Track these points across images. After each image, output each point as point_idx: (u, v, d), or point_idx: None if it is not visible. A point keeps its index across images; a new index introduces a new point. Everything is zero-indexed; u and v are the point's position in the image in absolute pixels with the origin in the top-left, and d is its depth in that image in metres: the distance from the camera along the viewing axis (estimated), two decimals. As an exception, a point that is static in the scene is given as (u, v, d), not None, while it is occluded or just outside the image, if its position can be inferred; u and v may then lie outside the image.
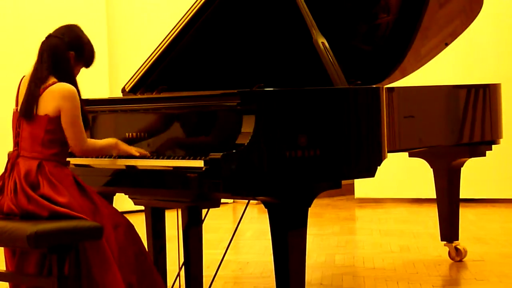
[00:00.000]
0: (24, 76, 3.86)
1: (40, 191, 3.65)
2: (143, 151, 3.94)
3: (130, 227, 3.80)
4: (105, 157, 4.03)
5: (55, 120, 3.71)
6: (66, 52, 3.80)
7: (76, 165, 4.11)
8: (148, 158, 3.91)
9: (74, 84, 3.78)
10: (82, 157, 4.08)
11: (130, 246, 3.76)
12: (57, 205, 3.62)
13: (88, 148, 3.79)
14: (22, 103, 3.76)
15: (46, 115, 3.70)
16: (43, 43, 3.83)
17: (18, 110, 3.78)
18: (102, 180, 4.09)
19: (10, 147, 3.84)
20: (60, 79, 3.74)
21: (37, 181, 3.66)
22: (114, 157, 3.99)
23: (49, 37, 3.83)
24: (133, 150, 3.93)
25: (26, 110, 3.73)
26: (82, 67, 3.89)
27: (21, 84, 3.85)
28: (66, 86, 3.72)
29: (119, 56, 8.44)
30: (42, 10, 7.98)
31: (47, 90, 3.72)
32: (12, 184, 3.70)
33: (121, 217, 3.80)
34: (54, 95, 3.70)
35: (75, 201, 3.66)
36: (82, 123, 3.73)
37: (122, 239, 3.74)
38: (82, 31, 3.90)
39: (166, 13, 8.33)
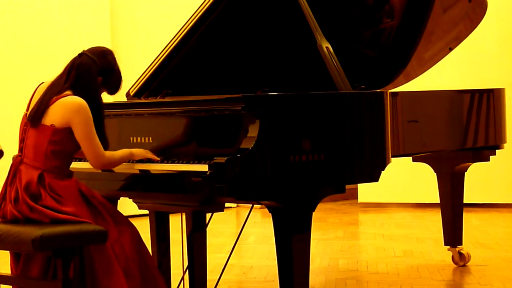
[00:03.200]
0: (42, 83, 3.85)
1: (42, 202, 3.64)
2: (154, 156, 3.93)
3: (135, 233, 3.80)
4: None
5: (61, 132, 3.69)
6: (96, 76, 3.77)
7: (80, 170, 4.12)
8: (151, 162, 3.91)
9: (99, 106, 3.75)
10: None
11: (134, 252, 3.76)
12: (61, 214, 3.62)
13: (108, 162, 3.76)
14: (32, 109, 3.74)
15: (52, 125, 3.69)
16: (74, 60, 3.78)
17: (27, 115, 3.78)
18: (106, 185, 4.10)
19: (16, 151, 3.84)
20: (78, 95, 3.71)
21: (39, 193, 3.65)
22: (146, 162, 3.96)
23: (82, 55, 3.79)
24: (149, 154, 3.92)
25: (34, 118, 3.72)
26: (104, 92, 3.88)
27: (38, 90, 3.82)
28: (76, 99, 3.69)
29: (123, 61, 8.38)
30: (45, 16, 7.99)
31: (58, 101, 3.70)
32: (14, 192, 3.70)
33: (126, 223, 3.80)
34: (63, 108, 3.68)
35: (78, 211, 3.65)
36: (97, 137, 3.70)
37: (127, 246, 3.73)
38: (115, 59, 3.86)
39: (170, 17, 8.34)
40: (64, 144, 3.70)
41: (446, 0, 4.94)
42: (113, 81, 3.85)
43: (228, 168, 3.50)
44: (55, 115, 3.69)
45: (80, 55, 3.80)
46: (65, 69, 3.79)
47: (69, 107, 3.67)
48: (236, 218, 8.44)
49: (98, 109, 3.76)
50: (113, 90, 3.88)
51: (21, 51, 7.82)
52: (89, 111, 3.68)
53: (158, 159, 3.91)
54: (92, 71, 3.76)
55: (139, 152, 3.90)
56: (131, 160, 3.93)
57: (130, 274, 3.71)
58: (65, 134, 3.69)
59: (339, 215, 8.39)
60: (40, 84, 3.85)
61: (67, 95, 3.71)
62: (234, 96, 3.79)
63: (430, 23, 4.87)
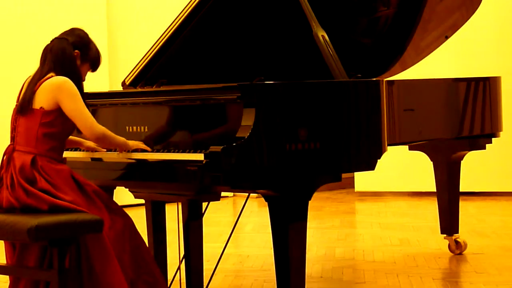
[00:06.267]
0: (29, 76, 3.87)
1: (37, 185, 3.65)
2: (147, 147, 3.93)
3: (128, 221, 3.80)
4: (106, 151, 4.03)
5: (50, 114, 3.70)
6: (70, 51, 3.80)
7: (76, 159, 4.11)
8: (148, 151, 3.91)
9: (79, 80, 3.78)
10: (83, 151, 4.09)
11: (127, 241, 3.76)
12: (58, 199, 3.62)
13: (100, 133, 3.75)
14: (20, 100, 3.78)
15: (41, 108, 3.71)
16: (46, 46, 3.84)
17: (17, 107, 3.79)
18: (102, 174, 4.09)
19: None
20: (61, 75, 3.75)
21: (33, 176, 3.66)
22: (115, 151, 3.99)
23: (52, 40, 3.84)
24: (142, 145, 3.92)
25: (23, 107, 3.74)
26: (88, 70, 3.90)
27: (25, 83, 3.85)
28: (59, 78, 3.73)
29: (119, 50, 8.44)
30: (43, 5, 7.96)
31: (42, 84, 3.73)
32: (9, 178, 3.70)
33: (119, 212, 3.80)
34: (49, 88, 3.71)
35: (73, 197, 3.65)
36: (87, 109, 3.73)
37: (119, 234, 3.74)
38: (86, 34, 3.91)
39: (166, 6, 8.32)
40: (55, 125, 3.72)
41: (443, -12, 4.94)
42: (91, 53, 3.88)
43: (224, 157, 3.50)
44: (42, 98, 3.71)
45: (51, 41, 3.85)
46: (41, 59, 3.84)
47: (54, 86, 3.71)
48: (233, 207, 8.44)
49: (78, 84, 3.78)
50: (94, 64, 3.90)
51: (14, 43, 7.78)
52: (74, 86, 3.72)
53: (150, 150, 3.91)
54: (66, 48, 3.80)
55: (133, 143, 3.91)
56: (126, 150, 3.93)
57: (123, 259, 3.71)
58: (55, 116, 3.71)
59: (335, 204, 8.39)
60: (28, 77, 3.87)
61: (51, 76, 3.75)
62: (230, 85, 3.78)
63: (426, 11, 4.86)
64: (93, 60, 3.89)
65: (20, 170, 3.67)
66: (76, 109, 3.70)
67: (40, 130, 3.71)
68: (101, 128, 3.77)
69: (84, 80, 3.89)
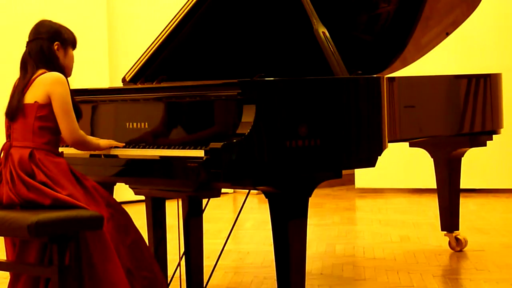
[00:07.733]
0: (17, 79, 3.86)
1: (36, 179, 3.65)
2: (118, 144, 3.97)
3: (126, 217, 3.80)
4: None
5: (45, 107, 3.70)
6: (49, 46, 3.80)
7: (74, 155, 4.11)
8: (147, 148, 3.90)
9: (65, 76, 3.79)
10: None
11: (125, 235, 3.76)
12: (59, 193, 3.62)
13: (80, 138, 3.77)
14: (7, 108, 3.77)
15: (35, 102, 3.71)
16: (23, 54, 3.82)
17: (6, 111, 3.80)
18: (102, 171, 4.09)
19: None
20: (50, 70, 3.76)
21: (31, 170, 3.66)
22: (114, 148, 3.99)
23: (27, 45, 3.83)
24: (114, 143, 3.95)
25: (12, 115, 3.75)
26: (72, 50, 3.89)
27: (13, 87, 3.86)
28: (55, 73, 3.74)
29: (119, 46, 8.43)
30: (43, 4, 7.95)
31: (37, 79, 3.73)
32: (8, 174, 3.70)
33: (117, 207, 3.79)
34: (43, 82, 3.71)
35: (73, 192, 3.65)
36: (73, 112, 3.73)
37: (117, 228, 3.74)
38: (51, 21, 3.89)
39: (167, 2, 8.32)
40: (50, 119, 3.72)
41: (443, -15, 4.93)
42: (67, 35, 3.87)
43: (224, 154, 3.49)
44: (36, 92, 3.72)
45: (26, 47, 3.84)
46: (20, 68, 3.82)
47: (48, 80, 3.71)
48: (233, 204, 8.44)
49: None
50: (74, 43, 3.90)
51: (13, 42, 7.73)
52: (67, 85, 3.73)
53: (123, 144, 3.93)
54: (43, 46, 3.80)
55: (105, 143, 3.94)
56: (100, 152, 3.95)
57: (121, 255, 3.71)
58: (49, 109, 3.72)
59: (336, 200, 8.39)
60: (17, 79, 3.86)
61: (43, 73, 3.75)
62: (230, 81, 3.78)
63: (427, 7, 4.85)
64: (71, 40, 3.88)
65: (19, 164, 3.67)
66: (63, 109, 3.70)
67: (36, 123, 3.71)
68: (81, 134, 3.78)
69: (72, 61, 3.90)
